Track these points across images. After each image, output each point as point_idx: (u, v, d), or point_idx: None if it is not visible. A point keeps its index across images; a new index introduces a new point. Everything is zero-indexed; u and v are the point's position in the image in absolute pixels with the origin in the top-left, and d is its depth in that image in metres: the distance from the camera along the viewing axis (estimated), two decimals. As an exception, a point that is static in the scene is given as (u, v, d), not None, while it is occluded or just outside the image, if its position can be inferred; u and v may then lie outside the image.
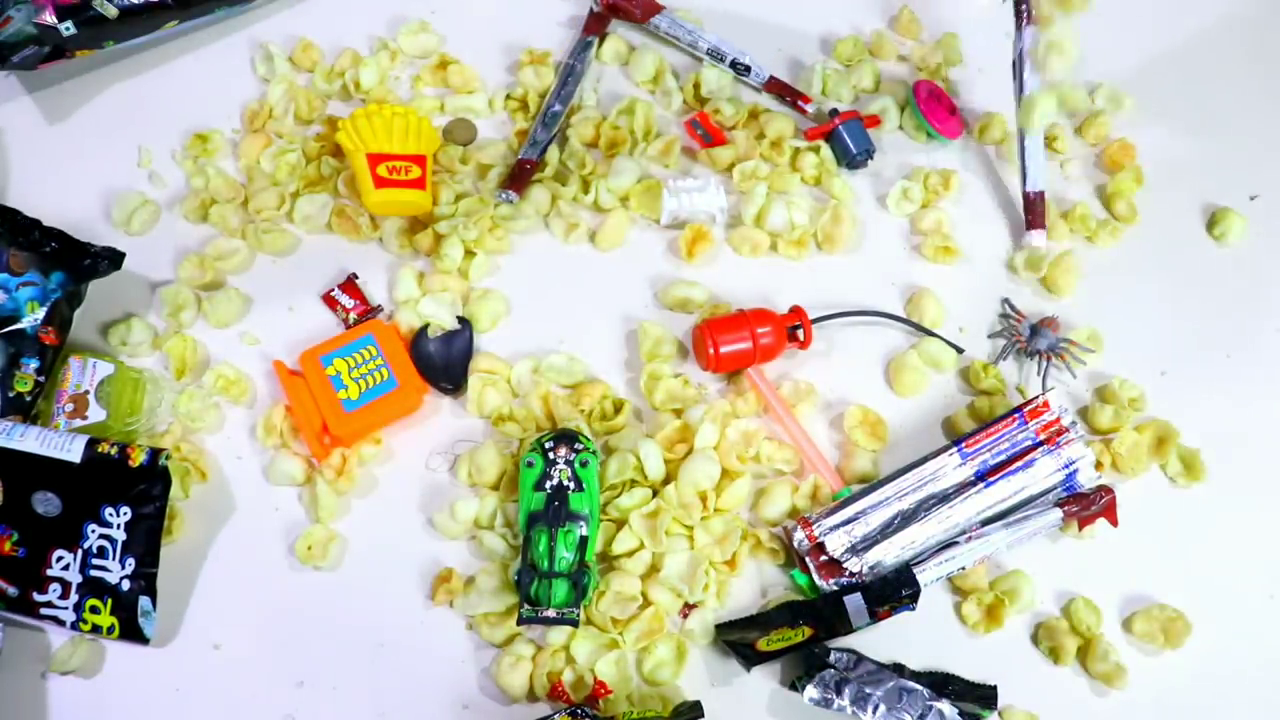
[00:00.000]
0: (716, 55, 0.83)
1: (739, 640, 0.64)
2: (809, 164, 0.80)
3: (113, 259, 0.72)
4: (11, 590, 0.63)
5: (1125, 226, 0.80)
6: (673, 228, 0.78)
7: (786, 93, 0.82)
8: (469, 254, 0.75)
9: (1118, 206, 0.80)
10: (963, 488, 0.67)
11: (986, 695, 0.64)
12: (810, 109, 0.82)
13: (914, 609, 0.63)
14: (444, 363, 0.71)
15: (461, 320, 0.73)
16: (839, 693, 0.61)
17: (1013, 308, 0.76)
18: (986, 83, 0.86)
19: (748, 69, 0.82)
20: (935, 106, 0.80)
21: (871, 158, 0.80)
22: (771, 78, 0.82)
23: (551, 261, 0.77)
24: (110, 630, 0.63)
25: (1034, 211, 0.77)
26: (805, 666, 0.63)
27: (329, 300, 0.74)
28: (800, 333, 0.72)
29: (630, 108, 0.81)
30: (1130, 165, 0.82)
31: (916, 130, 0.82)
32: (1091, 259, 0.79)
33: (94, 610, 0.63)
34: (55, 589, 0.63)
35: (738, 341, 0.71)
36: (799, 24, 0.88)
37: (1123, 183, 0.81)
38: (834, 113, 0.80)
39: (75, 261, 0.71)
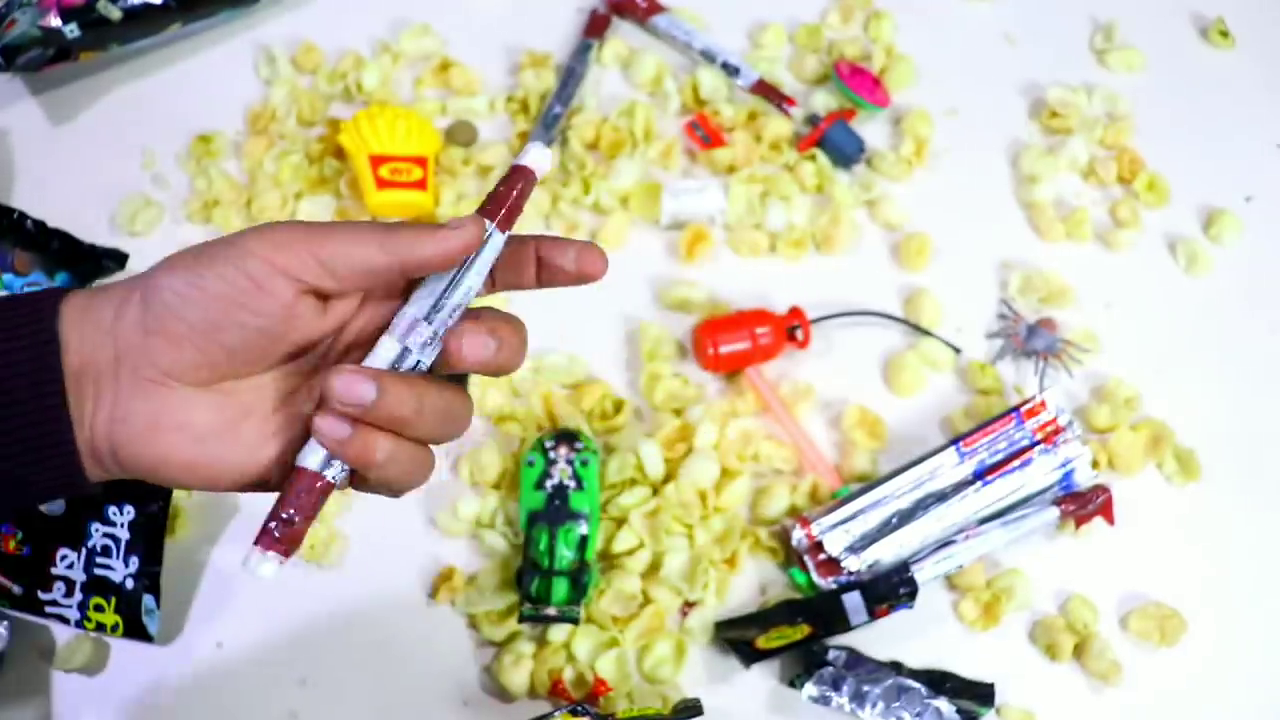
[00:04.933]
0: (709, 56, 0.84)
1: (738, 638, 0.65)
2: (808, 173, 0.80)
3: (117, 260, 0.73)
4: (16, 588, 0.63)
5: (1122, 230, 0.80)
6: (672, 229, 0.79)
7: (772, 95, 0.83)
8: (470, 255, 0.76)
9: (1121, 212, 0.81)
10: (960, 486, 0.67)
11: (984, 693, 0.64)
12: (795, 112, 0.82)
13: (912, 607, 0.63)
14: (445, 363, 0.72)
15: (463, 320, 0.74)
16: (837, 690, 0.62)
17: (1010, 308, 0.77)
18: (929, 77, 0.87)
19: (736, 70, 0.83)
20: (860, 80, 0.81)
21: (864, 152, 0.80)
22: (759, 80, 0.83)
23: (552, 262, 0.77)
24: (114, 628, 0.63)
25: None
26: (804, 664, 0.64)
27: (331, 301, 0.75)
28: (799, 333, 0.73)
29: (630, 110, 0.81)
30: (1143, 175, 0.82)
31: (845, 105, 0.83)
32: (1090, 260, 0.80)
33: (98, 608, 0.63)
34: (60, 587, 0.63)
35: (737, 341, 0.71)
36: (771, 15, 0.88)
37: (1136, 192, 0.81)
38: (816, 118, 0.81)
39: (79, 262, 0.72)
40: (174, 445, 0.34)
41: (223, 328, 0.33)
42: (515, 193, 0.36)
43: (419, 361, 0.35)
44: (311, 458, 0.34)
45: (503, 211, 0.36)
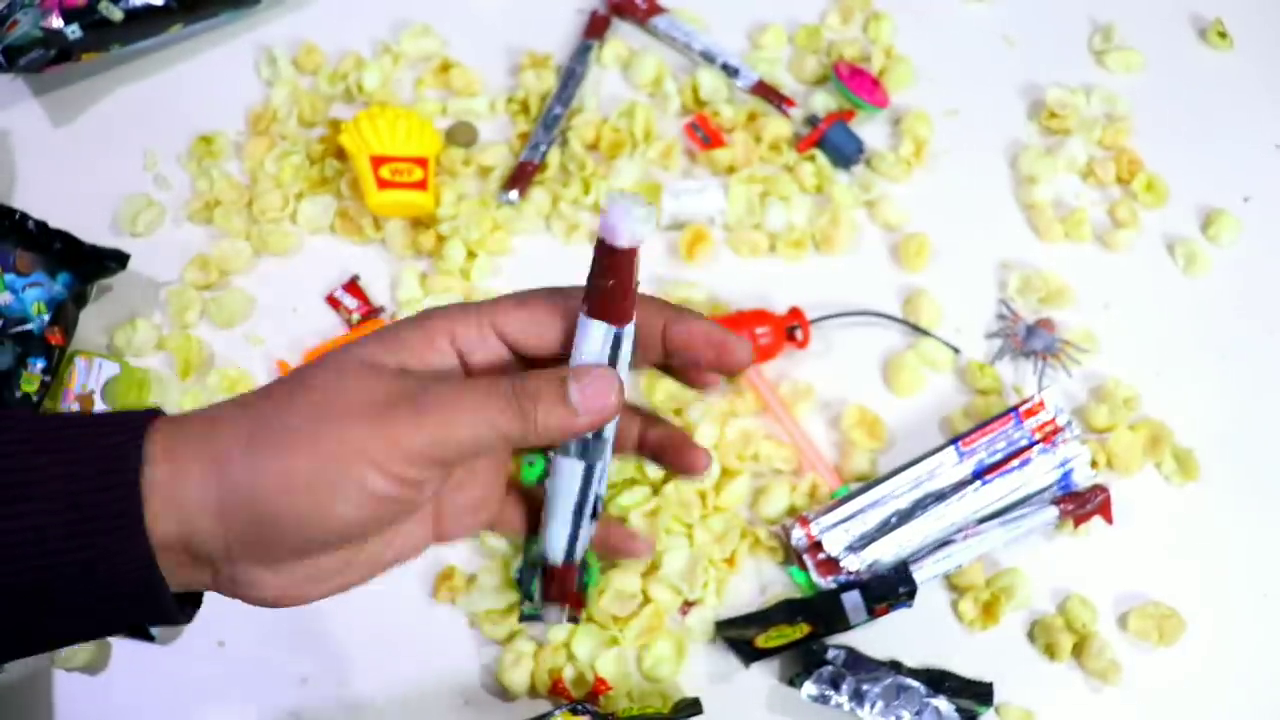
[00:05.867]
0: (708, 57, 0.84)
1: (738, 637, 0.65)
2: (808, 174, 0.80)
3: (118, 260, 0.73)
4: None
5: (1121, 230, 0.80)
6: (672, 229, 0.79)
7: (771, 96, 0.83)
8: (471, 255, 0.76)
9: (1119, 213, 0.81)
10: (959, 486, 0.67)
11: (983, 692, 0.64)
12: (795, 112, 0.82)
13: (911, 606, 0.64)
14: (446, 363, 0.72)
15: (463, 321, 0.74)
16: (836, 689, 0.62)
17: (1009, 308, 0.77)
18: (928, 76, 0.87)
19: (736, 71, 0.83)
20: (859, 81, 0.81)
21: (863, 153, 0.81)
22: (759, 81, 0.83)
23: (552, 262, 0.78)
24: (116, 627, 0.64)
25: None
26: (803, 663, 0.64)
27: (332, 301, 0.75)
28: (798, 333, 0.73)
29: (630, 111, 0.81)
30: (1142, 175, 0.82)
31: (844, 105, 0.83)
32: (1089, 261, 0.80)
33: (100, 607, 0.64)
34: (61, 586, 0.64)
35: (737, 342, 0.71)
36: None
37: (1135, 192, 0.82)
38: (815, 119, 0.81)
39: (81, 263, 0.72)
40: (307, 594, 0.32)
41: (348, 539, 0.31)
42: (615, 281, 0.29)
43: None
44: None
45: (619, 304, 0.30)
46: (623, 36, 0.87)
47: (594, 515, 0.36)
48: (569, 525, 0.36)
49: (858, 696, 0.62)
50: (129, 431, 0.29)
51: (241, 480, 0.29)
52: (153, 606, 0.30)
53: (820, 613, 0.63)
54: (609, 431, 0.33)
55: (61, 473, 0.28)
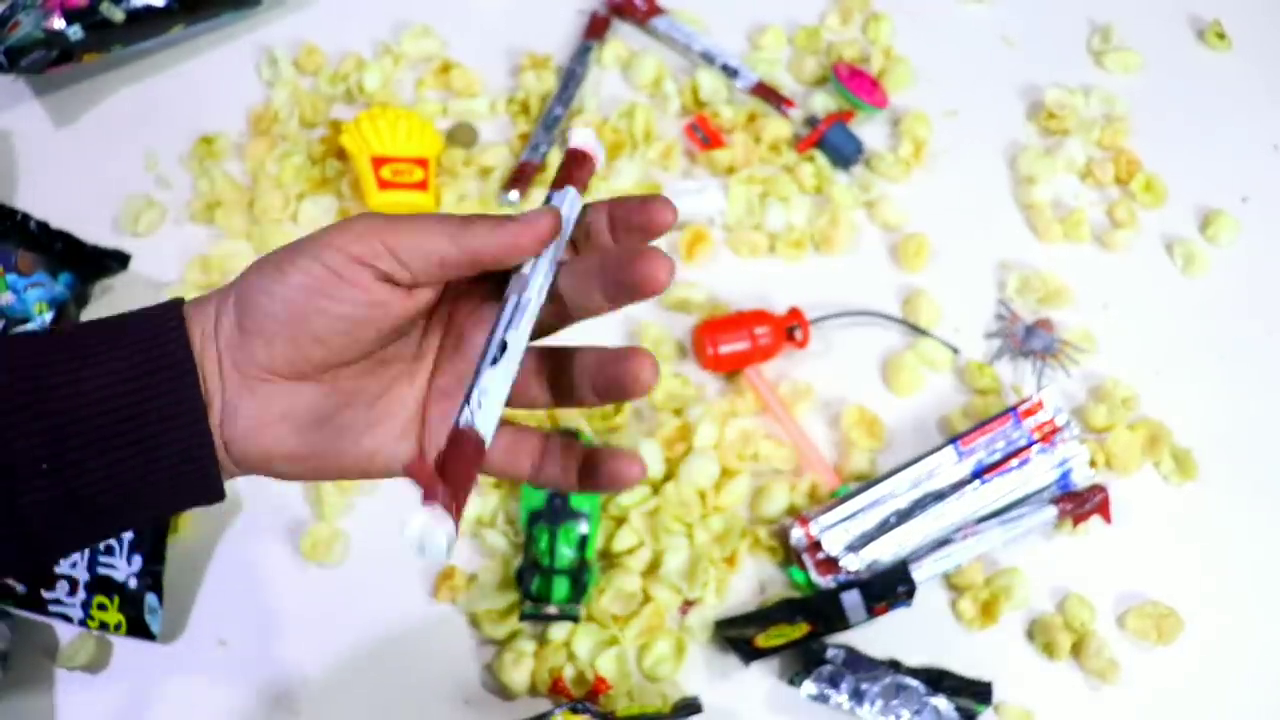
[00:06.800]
0: (708, 58, 0.84)
1: (738, 636, 0.65)
2: (807, 174, 0.81)
3: (120, 260, 0.73)
4: (20, 587, 0.64)
5: (1119, 231, 0.81)
6: (672, 229, 0.79)
7: (771, 97, 0.83)
8: (471, 255, 0.76)
9: (1118, 213, 0.81)
10: (958, 486, 0.68)
11: (981, 691, 0.64)
12: (794, 113, 0.83)
13: (910, 605, 0.64)
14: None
15: (464, 321, 0.74)
16: (836, 688, 0.62)
17: (1008, 308, 0.77)
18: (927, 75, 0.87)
19: (735, 72, 0.83)
20: (859, 82, 0.82)
21: (863, 153, 0.81)
22: (758, 82, 0.83)
23: (552, 263, 0.78)
24: (118, 627, 0.64)
25: None
26: (803, 662, 0.64)
27: (333, 301, 0.75)
28: (798, 333, 0.73)
29: (631, 111, 0.82)
30: (1140, 175, 0.82)
31: (844, 105, 0.84)
32: (1087, 261, 0.80)
33: (101, 607, 0.64)
34: (63, 586, 0.64)
35: (736, 341, 0.72)
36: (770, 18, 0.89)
37: (1134, 193, 0.82)
38: (814, 120, 0.82)
39: (82, 263, 0.72)
40: (279, 438, 0.35)
41: (308, 316, 0.33)
42: (575, 169, 0.37)
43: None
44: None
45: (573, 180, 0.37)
46: (623, 37, 0.87)
47: (495, 361, 0.34)
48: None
49: (857, 695, 0.62)
50: (170, 305, 0.35)
51: (231, 287, 0.34)
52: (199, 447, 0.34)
53: (820, 612, 0.63)
54: (527, 268, 0.35)
55: (128, 333, 0.34)
